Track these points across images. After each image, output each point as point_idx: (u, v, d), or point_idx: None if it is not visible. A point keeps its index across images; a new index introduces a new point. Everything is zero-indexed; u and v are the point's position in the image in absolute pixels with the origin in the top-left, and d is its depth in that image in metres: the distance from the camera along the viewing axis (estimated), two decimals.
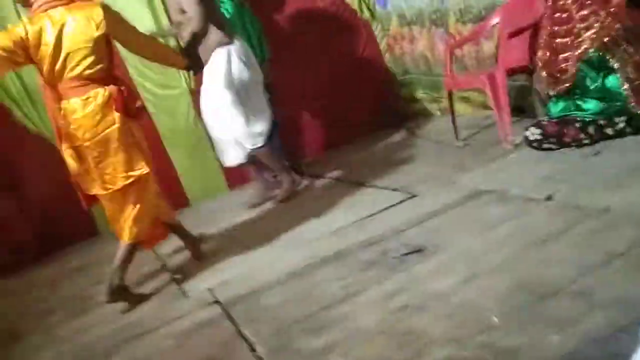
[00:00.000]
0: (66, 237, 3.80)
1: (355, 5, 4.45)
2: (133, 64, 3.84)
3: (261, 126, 3.28)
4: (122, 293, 2.48)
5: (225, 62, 3.14)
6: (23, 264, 3.60)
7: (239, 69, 3.18)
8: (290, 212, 3.23)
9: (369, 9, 4.50)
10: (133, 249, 2.54)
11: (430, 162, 3.39)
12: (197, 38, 2.98)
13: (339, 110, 4.34)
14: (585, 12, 2.68)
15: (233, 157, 3.37)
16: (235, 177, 4.10)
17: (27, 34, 2.30)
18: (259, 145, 3.27)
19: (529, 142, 2.93)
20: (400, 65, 4.59)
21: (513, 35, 3.15)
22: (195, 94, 3.93)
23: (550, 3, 2.92)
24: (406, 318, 1.79)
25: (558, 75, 2.81)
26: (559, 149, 2.82)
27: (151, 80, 3.95)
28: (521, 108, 3.48)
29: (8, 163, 3.75)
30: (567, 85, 2.77)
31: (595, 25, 2.64)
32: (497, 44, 3.47)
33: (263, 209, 3.47)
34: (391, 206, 2.83)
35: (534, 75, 3.14)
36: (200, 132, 4.01)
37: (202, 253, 2.88)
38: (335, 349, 1.72)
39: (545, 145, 2.87)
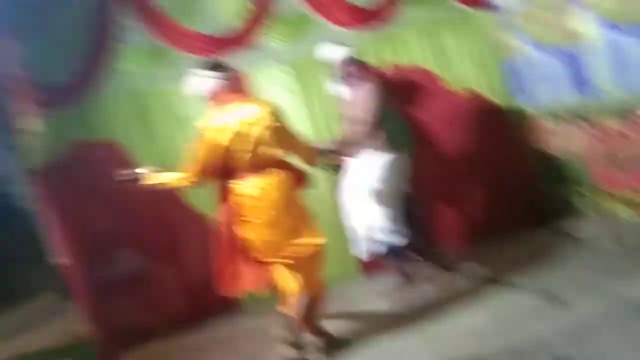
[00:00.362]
0: (213, 309, 4.07)
1: (498, 100, 4.47)
2: None
3: (397, 226, 3.37)
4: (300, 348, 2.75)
5: (383, 168, 3.34)
6: (172, 331, 3.89)
7: (394, 179, 3.37)
8: (425, 306, 3.18)
9: (512, 105, 4.50)
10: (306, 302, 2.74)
11: (576, 263, 3.16)
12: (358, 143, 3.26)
13: (487, 203, 4.28)
14: None
15: (366, 249, 3.49)
16: (367, 263, 4.16)
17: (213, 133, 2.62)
18: (397, 242, 3.36)
19: None
20: (547, 163, 4.44)
21: None
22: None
23: None
24: None
25: None
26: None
27: None
28: None
29: (174, 236, 4.19)
30: None
31: None
32: None
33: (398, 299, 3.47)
34: (534, 311, 2.66)
35: None
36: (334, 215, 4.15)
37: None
38: None
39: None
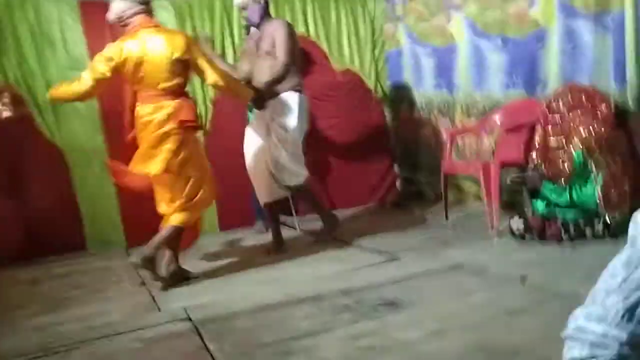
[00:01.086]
0: (56, 246, 3.83)
1: (371, 84, 4.77)
2: None
3: (302, 169, 3.45)
4: (149, 264, 2.78)
5: (297, 106, 3.37)
6: (8, 261, 3.60)
7: (304, 117, 3.42)
8: (279, 256, 3.33)
9: (382, 89, 4.83)
10: (174, 232, 2.87)
11: (418, 235, 3.53)
12: (280, 79, 3.29)
13: (345, 177, 4.53)
14: (576, 117, 2.94)
15: (269, 194, 3.52)
16: (226, 221, 4.23)
17: (120, 52, 2.77)
18: (301, 183, 3.43)
19: (512, 232, 3.08)
20: (403, 147, 4.84)
21: (511, 130, 3.40)
22: (208, 135, 4.17)
23: (545, 106, 3.21)
24: (369, 357, 1.84)
25: (555, 170, 3.03)
26: (539, 241, 2.96)
27: None
28: (511, 204, 3.65)
29: (16, 166, 3.85)
30: (565, 178, 2.97)
31: (584, 129, 2.88)
32: (496, 140, 3.72)
33: (253, 249, 3.57)
34: (373, 264, 2.94)
35: (526, 172, 3.34)
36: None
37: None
38: None
39: (527, 237, 3.02)
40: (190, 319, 2.32)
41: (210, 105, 4.23)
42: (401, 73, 4.76)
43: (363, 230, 3.79)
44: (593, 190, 2.82)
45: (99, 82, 2.82)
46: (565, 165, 3.01)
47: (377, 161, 4.77)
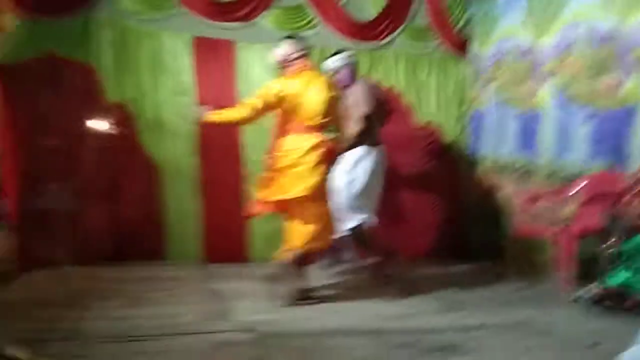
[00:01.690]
0: (141, 252, 4.14)
1: (452, 140, 4.88)
2: (249, 127, 4.42)
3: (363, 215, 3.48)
4: (274, 280, 3.12)
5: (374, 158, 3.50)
6: (100, 260, 3.93)
7: (379, 170, 3.52)
8: (353, 287, 3.47)
9: (462, 147, 4.92)
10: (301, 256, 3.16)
11: (484, 290, 3.49)
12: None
13: (413, 227, 4.61)
14: None
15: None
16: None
17: (287, 90, 3.17)
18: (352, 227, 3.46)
19: (587, 299, 2.99)
20: (478, 207, 4.84)
21: (592, 200, 3.36)
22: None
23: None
24: None
25: None
26: (613, 313, 2.87)
27: (257, 145, 4.44)
28: (588, 274, 3.55)
29: (117, 175, 4.24)
30: None
31: None
32: (576, 209, 3.67)
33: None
34: (435, 311, 2.98)
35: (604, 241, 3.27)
36: None
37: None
38: None
39: (606, 303, 2.93)
40: (255, 331, 2.46)
41: None
42: (483, 133, 4.83)
43: (430, 279, 3.80)
44: None
45: (262, 110, 3.22)
46: None
47: (447, 216, 4.80)
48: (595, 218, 3.38)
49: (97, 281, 3.50)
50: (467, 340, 2.44)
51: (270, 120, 4.37)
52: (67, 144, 4.13)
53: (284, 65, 3.33)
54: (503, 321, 2.78)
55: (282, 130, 3.29)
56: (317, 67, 3.47)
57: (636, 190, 3.16)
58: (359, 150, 3.51)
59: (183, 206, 4.32)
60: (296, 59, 3.24)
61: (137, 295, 3.15)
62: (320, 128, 3.19)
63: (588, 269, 3.52)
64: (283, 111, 3.24)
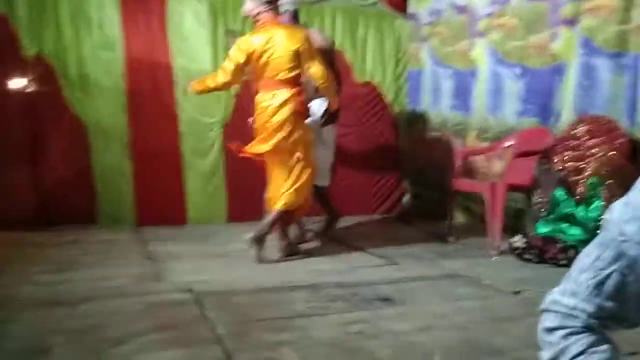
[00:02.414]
0: (67, 215, 3.95)
1: (390, 99, 4.90)
2: (183, 85, 4.24)
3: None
4: (259, 243, 3.03)
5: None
6: (21, 225, 3.71)
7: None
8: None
9: (399, 106, 4.95)
10: (281, 215, 3.14)
11: (418, 246, 3.60)
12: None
13: (354, 186, 4.63)
14: (593, 142, 3.04)
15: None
16: (235, 212, 4.33)
17: (253, 46, 3.08)
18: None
19: (512, 249, 3.15)
20: (414, 164, 4.94)
21: (520, 155, 3.49)
22: (226, 127, 4.31)
23: (565, 132, 3.30)
24: (358, 340, 1.93)
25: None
26: (537, 262, 3.04)
27: (192, 103, 4.30)
28: (514, 228, 3.73)
29: (39, 135, 3.99)
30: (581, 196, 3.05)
31: (601, 155, 2.98)
32: (505, 164, 3.81)
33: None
34: (371, 266, 3.03)
35: (531, 196, 3.43)
36: (218, 163, 4.33)
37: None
38: (289, 345, 1.85)
39: (526, 256, 3.10)
40: (191, 291, 2.42)
41: (233, 98, 4.35)
42: (420, 92, 4.88)
43: (365, 236, 3.89)
44: (597, 214, 2.89)
45: (237, 70, 3.14)
46: (579, 189, 3.09)
47: (386, 174, 4.87)
48: (523, 174, 3.53)
49: (22, 246, 3.32)
50: (401, 291, 2.51)
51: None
52: None
53: (253, 20, 3.25)
54: (436, 273, 2.89)
55: (256, 87, 3.22)
56: (284, 21, 3.35)
57: (563, 146, 3.30)
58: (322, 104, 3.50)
59: (113, 167, 4.13)
60: (260, 13, 3.14)
61: (65, 260, 3.01)
62: (289, 82, 3.11)
63: (516, 222, 3.70)
64: (254, 68, 3.16)
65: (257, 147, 3.15)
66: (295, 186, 3.15)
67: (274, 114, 3.08)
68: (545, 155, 3.40)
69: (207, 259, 3.13)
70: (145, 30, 4.18)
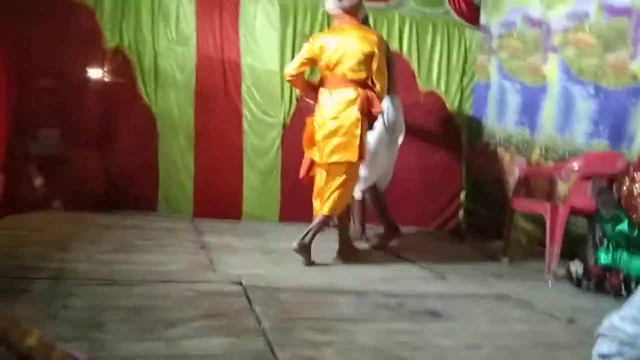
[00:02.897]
0: (131, 202, 4.15)
1: (453, 111, 4.81)
2: (248, 83, 4.36)
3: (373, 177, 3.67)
4: (305, 250, 3.00)
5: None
6: (89, 207, 3.93)
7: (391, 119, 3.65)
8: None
9: (463, 118, 4.86)
10: (327, 220, 3.13)
11: (470, 263, 3.52)
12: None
13: (410, 196, 4.59)
14: None
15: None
16: (287, 212, 4.39)
17: (320, 43, 3.12)
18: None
19: (570, 276, 3.02)
20: (474, 178, 4.83)
21: (587, 179, 3.33)
22: (286, 128, 4.39)
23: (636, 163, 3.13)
24: (402, 350, 1.90)
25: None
26: (596, 292, 2.90)
27: (256, 102, 4.41)
28: (574, 254, 3.57)
29: (111, 124, 4.21)
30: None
31: None
32: (570, 186, 3.65)
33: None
34: (421, 278, 2.99)
35: (594, 221, 3.27)
36: (275, 162, 4.41)
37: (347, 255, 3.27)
38: (331, 346, 1.86)
39: (584, 284, 2.96)
40: (241, 284, 2.47)
41: (294, 102, 4.43)
42: (485, 105, 4.77)
43: (416, 248, 3.84)
44: None
45: (300, 65, 3.19)
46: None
47: (444, 187, 4.80)
48: (588, 198, 3.37)
49: (86, 226, 3.50)
50: (449, 307, 2.45)
51: (270, 78, 4.37)
52: (61, 87, 4.08)
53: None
54: (487, 292, 2.80)
55: (322, 86, 3.22)
56: (360, 24, 3.33)
57: (632, 173, 3.13)
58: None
59: (177, 158, 4.30)
60: (338, 14, 3.17)
61: (125, 242, 3.15)
62: (357, 83, 3.08)
63: (576, 248, 3.54)
64: (320, 67, 3.18)
65: (314, 154, 3.14)
66: (339, 191, 3.10)
67: (338, 112, 3.05)
68: (614, 180, 3.24)
69: (258, 254, 3.20)
70: (218, 27, 4.33)
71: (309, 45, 3.19)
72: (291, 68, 3.24)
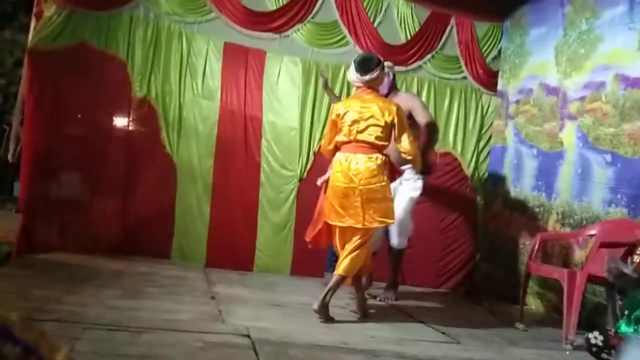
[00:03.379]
0: (145, 249, 4.16)
1: (469, 173, 4.83)
2: (268, 138, 4.46)
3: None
4: (324, 309, 3.00)
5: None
6: (103, 251, 3.96)
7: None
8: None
9: (479, 180, 4.87)
10: (341, 280, 3.11)
11: (486, 327, 3.42)
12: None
13: (423, 256, 4.55)
14: None
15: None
16: (299, 266, 4.37)
17: (338, 111, 3.21)
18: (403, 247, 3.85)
19: (589, 346, 2.91)
20: (489, 241, 4.77)
21: (605, 246, 3.28)
22: (302, 182, 4.44)
23: None
24: None
25: None
26: None
27: (275, 156, 4.49)
28: (591, 323, 3.46)
29: (133, 170, 4.29)
30: None
31: None
32: (587, 254, 3.59)
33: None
34: (433, 341, 2.91)
35: (613, 290, 3.19)
36: (290, 216, 4.44)
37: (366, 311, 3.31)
38: None
39: (604, 355, 2.84)
40: (249, 336, 2.44)
41: (312, 156, 4.50)
42: (502, 168, 4.79)
43: (430, 309, 3.77)
44: None
45: (331, 136, 3.26)
46: None
47: (459, 247, 4.75)
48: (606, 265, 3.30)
49: (99, 270, 3.52)
50: None
51: (289, 134, 4.47)
52: (88, 134, 4.21)
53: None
54: (502, 358, 2.71)
55: (338, 151, 3.25)
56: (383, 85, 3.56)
57: None
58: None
59: (194, 208, 4.34)
60: (359, 86, 3.26)
61: (136, 289, 3.15)
62: (377, 149, 3.14)
63: (594, 317, 3.44)
64: (340, 132, 3.20)
65: (336, 219, 3.11)
66: (354, 254, 3.08)
67: (370, 177, 3.07)
68: (631, 249, 3.18)
69: (268, 307, 3.16)
70: (243, 84, 4.48)
71: (331, 117, 3.29)
72: (326, 145, 3.31)
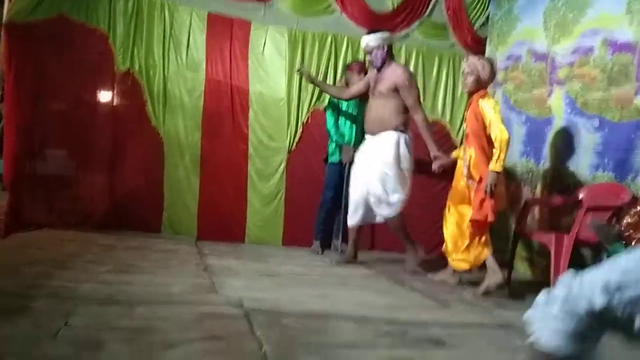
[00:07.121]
0: (135, 222, 4.16)
1: (458, 139, 4.84)
2: (255, 109, 4.41)
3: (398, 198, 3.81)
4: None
5: (395, 144, 3.77)
6: (93, 226, 3.94)
7: (403, 154, 3.81)
8: (343, 276, 3.46)
9: None
10: None
11: (475, 291, 3.47)
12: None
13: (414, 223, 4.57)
14: None
15: (358, 219, 3.85)
16: (290, 236, 4.39)
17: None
18: (393, 214, 3.81)
19: None
20: None
21: (592, 210, 3.33)
22: (291, 153, 4.42)
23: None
24: None
25: None
26: None
27: (262, 128, 4.45)
28: None
29: (119, 144, 4.25)
30: None
31: None
32: (575, 217, 3.64)
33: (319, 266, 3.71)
34: (424, 307, 2.95)
35: (599, 253, 3.25)
36: (279, 187, 4.43)
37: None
38: None
39: None
40: (242, 307, 2.45)
41: (300, 127, 4.47)
42: None
43: (419, 275, 3.81)
44: None
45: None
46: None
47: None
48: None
49: (89, 245, 3.50)
50: (452, 336, 2.42)
51: (277, 105, 4.43)
52: (72, 108, 4.14)
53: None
54: (491, 321, 2.77)
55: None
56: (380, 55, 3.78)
57: (636, 206, 3.11)
58: (391, 136, 3.78)
59: (182, 181, 4.32)
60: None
61: (127, 263, 3.15)
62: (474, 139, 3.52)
63: None
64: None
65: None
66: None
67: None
68: (617, 213, 3.23)
69: (260, 278, 3.18)
70: (228, 55, 4.40)
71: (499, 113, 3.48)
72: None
